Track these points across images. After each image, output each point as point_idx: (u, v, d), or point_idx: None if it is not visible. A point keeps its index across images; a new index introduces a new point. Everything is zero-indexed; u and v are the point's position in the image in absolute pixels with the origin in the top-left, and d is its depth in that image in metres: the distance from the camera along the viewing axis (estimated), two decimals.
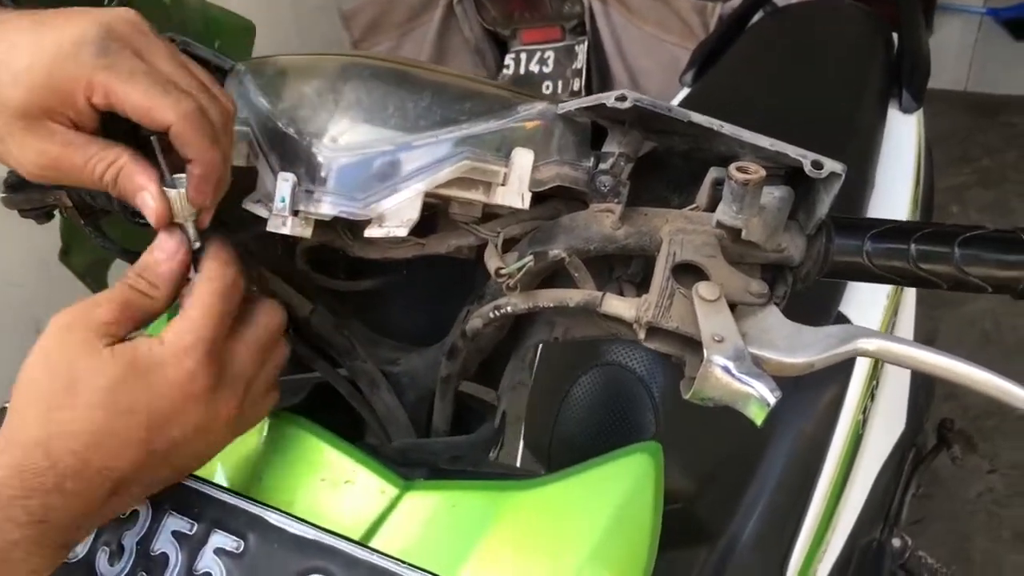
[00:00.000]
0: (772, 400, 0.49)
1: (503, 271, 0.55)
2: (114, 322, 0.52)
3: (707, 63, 1.69)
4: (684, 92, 1.63)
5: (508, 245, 0.59)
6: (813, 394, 1.12)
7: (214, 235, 0.56)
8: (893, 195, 1.42)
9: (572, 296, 0.56)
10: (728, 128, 0.55)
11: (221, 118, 0.54)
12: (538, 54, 2.32)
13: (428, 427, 0.70)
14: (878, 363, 1.22)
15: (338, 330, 0.68)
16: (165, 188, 0.54)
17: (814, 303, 1.11)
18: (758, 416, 0.50)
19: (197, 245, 0.55)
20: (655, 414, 0.96)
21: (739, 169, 0.51)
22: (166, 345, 0.52)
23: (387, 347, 0.71)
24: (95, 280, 1.05)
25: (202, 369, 0.52)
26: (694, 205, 0.59)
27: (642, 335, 0.53)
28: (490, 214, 0.61)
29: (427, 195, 0.57)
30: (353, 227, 0.61)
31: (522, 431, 1.13)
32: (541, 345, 0.93)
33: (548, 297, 0.56)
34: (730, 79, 1.59)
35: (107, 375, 0.50)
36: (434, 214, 0.63)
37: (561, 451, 1.04)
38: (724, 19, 1.91)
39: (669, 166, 0.61)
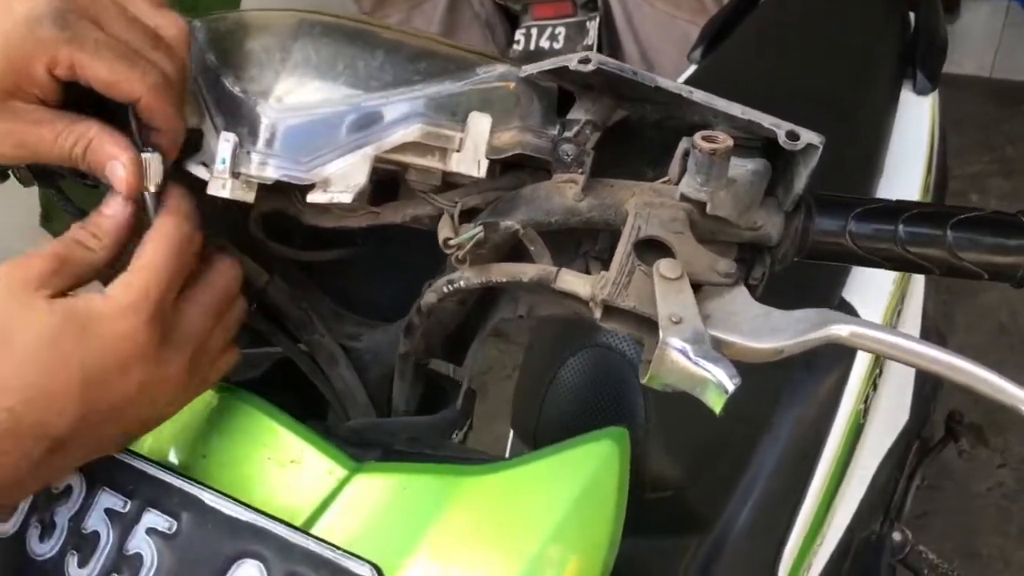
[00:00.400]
0: (730, 386, 0.45)
1: (452, 242, 0.52)
2: (51, 273, 0.50)
3: (716, 40, 1.64)
4: (692, 69, 1.58)
5: (467, 216, 0.56)
6: (812, 381, 1.09)
7: (175, 187, 0.54)
8: (903, 181, 1.38)
9: (526, 271, 0.52)
10: (699, 95, 0.51)
11: (181, 81, 0.53)
12: (549, 30, 2.27)
13: (391, 407, 0.67)
14: None
15: (295, 302, 0.65)
16: (142, 154, 0.52)
17: (814, 290, 1.08)
18: (716, 403, 0.46)
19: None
20: (645, 398, 0.93)
21: (705, 138, 0.48)
22: (109, 300, 0.50)
23: (351, 322, 0.68)
24: None
25: (145, 328, 0.50)
26: (665, 178, 0.55)
27: (598, 314, 0.50)
28: (451, 184, 0.57)
29: (382, 161, 0.54)
30: (304, 194, 0.58)
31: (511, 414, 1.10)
32: (533, 327, 0.90)
33: (501, 272, 0.53)
34: (739, 57, 1.54)
35: (42, 328, 0.48)
36: (395, 183, 0.60)
37: (548, 434, 1.01)
38: None
39: (643, 137, 0.58)
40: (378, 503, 0.58)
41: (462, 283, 0.54)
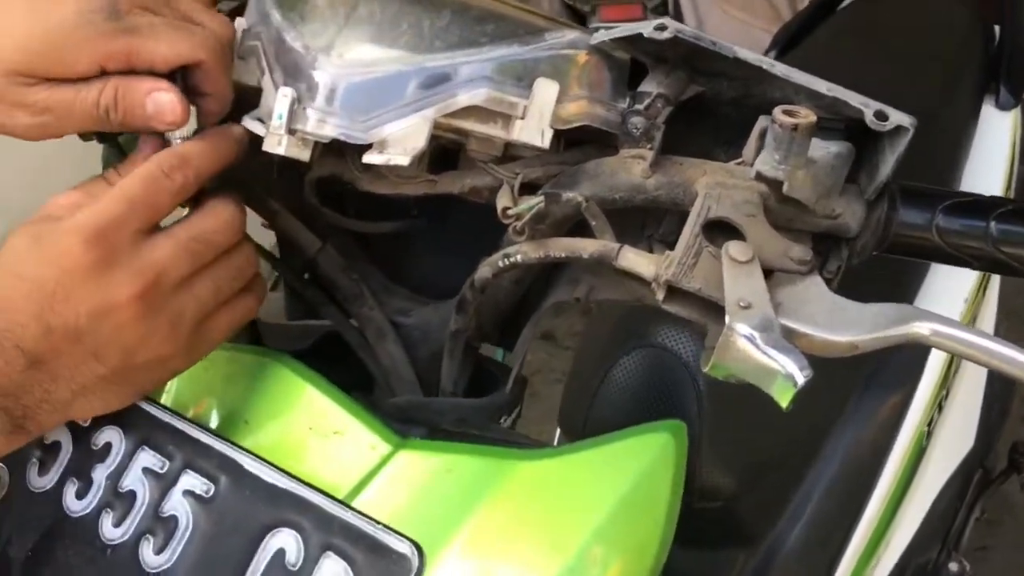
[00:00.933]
0: (801, 379, 0.42)
1: (511, 211, 0.49)
2: (70, 206, 0.51)
3: (789, 47, 1.59)
4: None
5: (527, 190, 0.53)
6: (875, 399, 1.05)
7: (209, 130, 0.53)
8: None
9: (586, 246, 0.50)
10: (780, 68, 0.48)
11: (231, 47, 0.54)
12: None
13: (439, 388, 0.65)
14: (949, 372, 1.14)
15: (346, 273, 0.63)
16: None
17: (882, 295, 1.04)
18: (783, 396, 0.43)
19: None
20: (699, 404, 0.90)
21: (786, 112, 0.45)
22: (64, 219, 0.50)
23: (402, 297, 0.66)
24: None
25: (80, 245, 0.49)
26: (739, 160, 0.52)
27: (661, 295, 0.47)
28: (512, 156, 0.55)
29: (442, 128, 0.52)
30: (361, 157, 0.56)
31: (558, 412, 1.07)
32: (584, 330, 0.87)
33: (560, 246, 0.50)
34: (812, 64, 1.50)
35: (18, 242, 0.50)
36: (454, 154, 0.58)
37: (595, 434, 0.98)
38: (812, 3, 1.82)
39: (717, 116, 0.55)
40: (421, 482, 0.56)
41: (519, 257, 0.52)
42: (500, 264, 0.53)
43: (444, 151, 0.58)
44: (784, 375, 0.42)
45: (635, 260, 0.48)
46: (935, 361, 1.10)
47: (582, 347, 1.04)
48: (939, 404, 1.15)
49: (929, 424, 1.12)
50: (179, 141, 0.52)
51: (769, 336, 0.43)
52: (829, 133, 0.50)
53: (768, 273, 0.47)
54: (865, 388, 1.04)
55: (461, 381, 0.66)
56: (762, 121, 0.50)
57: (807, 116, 0.44)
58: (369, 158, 0.50)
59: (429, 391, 0.64)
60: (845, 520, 1.02)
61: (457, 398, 0.64)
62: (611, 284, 0.57)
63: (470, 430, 0.61)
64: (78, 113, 0.51)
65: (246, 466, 0.54)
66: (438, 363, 0.64)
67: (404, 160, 0.49)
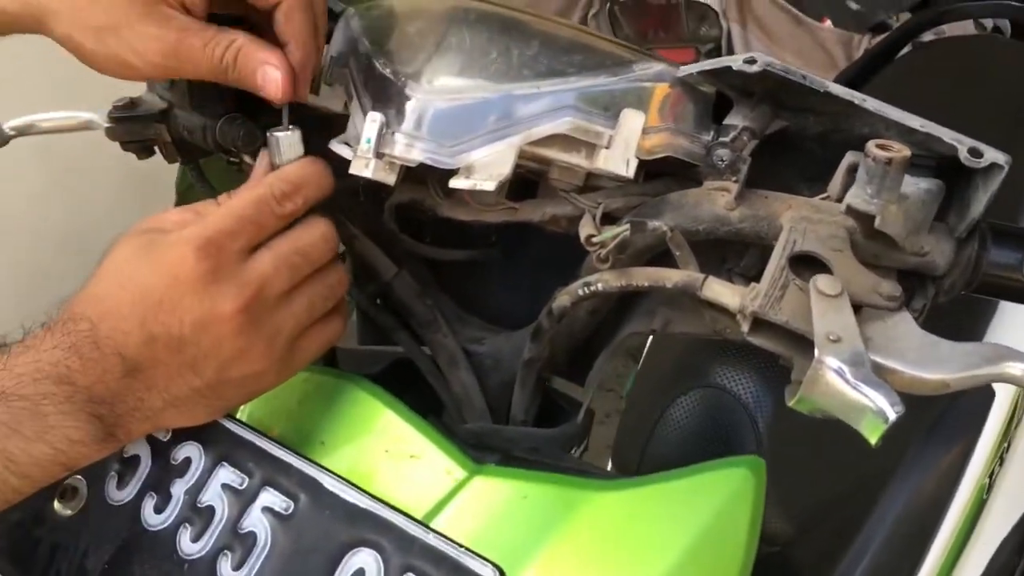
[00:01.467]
0: (892, 415, 0.41)
1: (595, 239, 0.50)
2: (180, 221, 0.53)
3: None
4: None
5: (608, 220, 0.53)
6: (935, 450, 1.02)
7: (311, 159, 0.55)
8: None
9: (670, 276, 0.49)
10: (871, 103, 0.48)
11: (322, 12, 0.56)
12: None
13: (508, 416, 0.64)
14: (1012, 422, 1.11)
15: (421, 299, 0.64)
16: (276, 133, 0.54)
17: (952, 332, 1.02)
18: (873, 433, 0.42)
19: None
20: (758, 446, 0.89)
21: (879, 146, 0.44)
22: (175, 230, 0.51)
23: (475, 326, 0.67)
24: None
25: (192, 255, 0.50)
26: (825, 195, 0.52)
27: (746, 327, 0.47)
28: (593, 187, 0.55)
29: (527, 157, 0.52)
30: (444, 183, 0.57)
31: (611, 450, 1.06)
32: (641, 362, 0.86)
33: (643, 276, 0.50)
34: None
35: (124, 250, 0.52)
36: (534, 184, 0.58)
37: (650, 472, 0.97)
38: (869, 52, 1.81)
39: (802, 151, 0.54)
40: (496, 509, 0.55)
41: (599, 286, 0.52)
42: (580, 292, 0.53)
43: (524, 180, 0.59)
44: (875, 411, 0.42)
45: (720, 291, 0.48)
46: (998, 411, 1.08)
47: (638, 385, 1.03)
48: (1001, 456, 1.13)
49: (991, 476, 1.10)
50: (292, 135, 0.54)
51: (859, 371, 0.42)
52: (919, 170, 0.49)
53: (856, 309, 0.47)
54: (927, 437, 1.01)
55: (532, 410, 0.66)
56: (850, 156, 0.49)
57: (901, 151, 0.44)
58: (456, 183, 0.51)
59: (498, 419, 0.64)
60: (903, 573, 0.99)
61: (529, 427, 0.64)
62: (688, 317, 0.57)
63: (543, 459, 0.61)
64: (204, 62, 0.53)
65: (326, 484, 0.54)
66: (509, 392, 0.64)
67: (490, 186, 0.50)
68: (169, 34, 0.53)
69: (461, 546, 0.51)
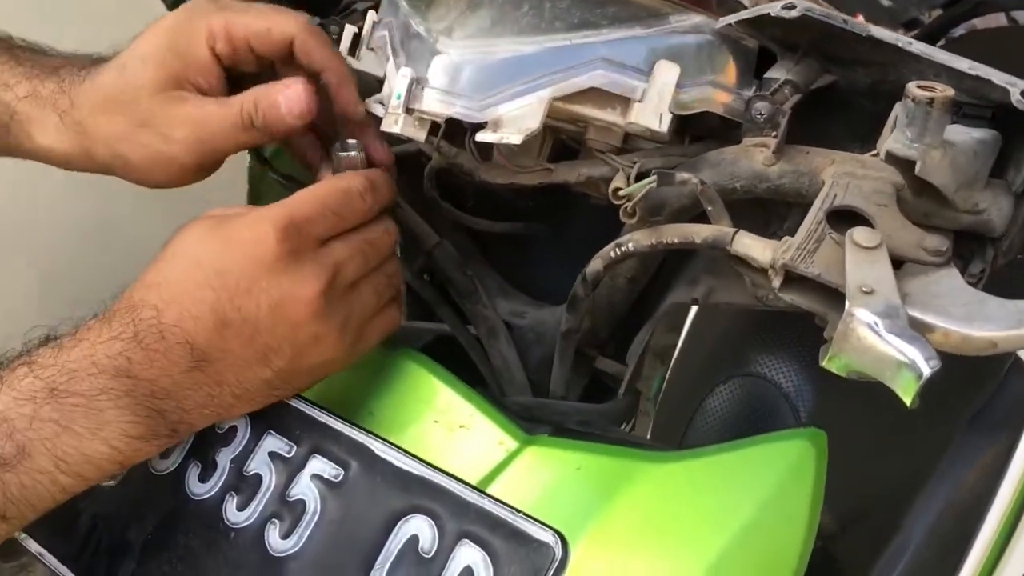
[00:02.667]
0: (927, 370, 0.38)
1: (622, 192, 0.48)
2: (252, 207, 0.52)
3: None
4: None
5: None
6: (980, 442, 0.97)
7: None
8: None
9: (700, 231, 0.47)
10: (917, 46, 0.45)
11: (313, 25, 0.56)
12: None
13: (548, 391, 0.63)
14: None
15: (461, 268, 0.63)
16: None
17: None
18: (907, 390, 0.39)
19: None
20: None
21: (920, 87, 0.41)
22: (252, 212, 0.50)
23: (519, 300, 0.65)
24: None
25: (273, 234, 0.49)
26: (874, 152, 0.49)
27: (777, 282, 0.44)
28: (633, 148, 0.54)
29: (560, 115, 0.51)
30: (482, 147, 0.56)
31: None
32: (680, 343, 0.83)
33: (673, 232, 0.48)
34: None
35: (193, 232, 0.50)
36: (574, 152, 0.57)
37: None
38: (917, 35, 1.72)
39: (852, 107, 0.52)
40: (550, 479, 0.54)
41: (630, 246, 0.50)
42: (612, 255, 0.51)
43: (564, 147, 0.58)
44: (908, 365, 0.38)
45: (751, 245, 0.45)
46: None
47: (675, 373, 0.99)
48: None
49: None
50: (355, 155, 0.55)
51: (893, 323, 0.39)
52: (973, 121, 0.46)
53: (899, 264, 0.44)
54: (969, 429, 0.96)
55: (574, 387, 0.64)
56: (898, 107, 0.46)
57: (944, 90, 0.41)
58: (483, 136, 0.50)
59: (539, 394, 0.62)
60: (944, 569, 0.94)
61: (580, 403, 0.62)
62: (731, 284, 0.54)
63: (595, 431, 0.59)
64: (230, 126, 0.54)
65: (377, 451, 0.53)
66: (549, 366, 0.62)
67: (517, 139, 0.49)
68: (194, 111, 0.54)
69: (519, 511, 0.49)
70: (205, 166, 0.57)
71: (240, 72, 0.56)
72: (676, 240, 0.48)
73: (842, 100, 0.51)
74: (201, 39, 0.54)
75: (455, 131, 0.55)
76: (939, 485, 0.90)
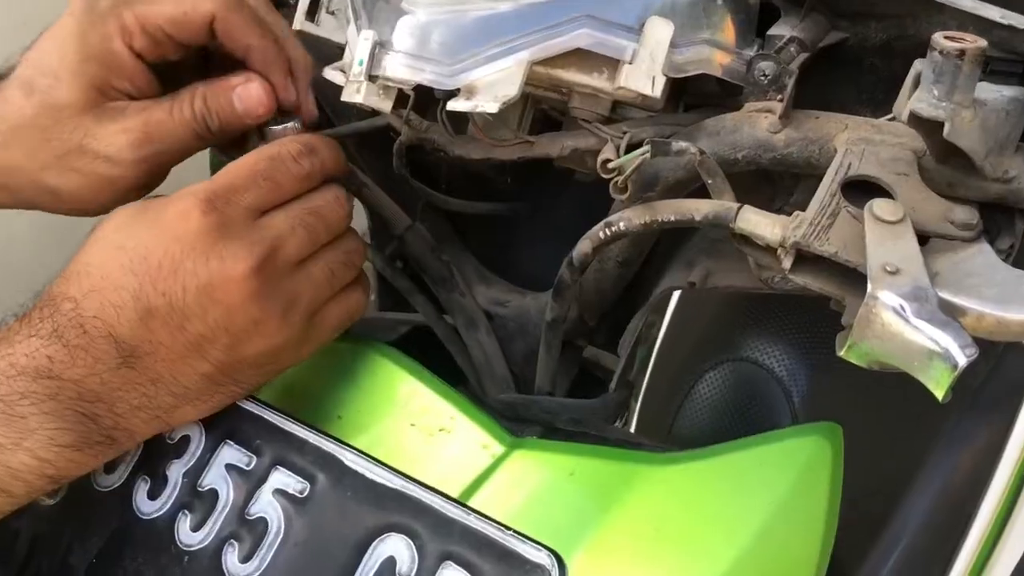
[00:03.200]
0: (962, 359, 0.33)
1: (611, 164, 0.43)
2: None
3: None
4: None
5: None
6: (975, 424, 0.94)
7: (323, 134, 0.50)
8: None
9: (700, 207, 0.42)
10: None
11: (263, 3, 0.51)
12: None
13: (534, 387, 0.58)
14: None
15: (435, 253, 0.58)
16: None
17: None
18: (940, 383, 0.34)
19: None
20: (794, 424, 0.81)
21: (949, 37, 0.36)
22: (179, 192, 0.45)
23: (499, 288, 0.60)
24: None
25: (196, 207, 0.44)
26: (890, 116, 0.44)
27: (788, 263, 0.39)
28: (622, 118, 0.49)
29: (541, 81, 0.46)
30: (456, 119, 0.51)
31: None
32: (664, 327, 0.79)
33: (670, 209, 0.43)
34: None
35: (115, 218, 0.45)
36: (558, 125, 0.52)
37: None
38: None
39: (863, 67, 0.47)
40: (540, 487, 0.49)
41: (622, 225, 0.45)
42: (602, 236, 0.46)
43: (547, 119, 0.52)
44: (940, 354, 0.34)
45: (757, 221, 0.40)
46: None
47: (662, 359, 0.95)
48: None
49: None
50: (291, 126, 0.50)
51: (922, 307, 0.35)
52: (1003, 78, 0.41)
53: (923, 240, 0.39)
54: (965, 412, 0.93)
55: (562, 382, 0.59)
56: (917, 65, 0.41)
57: (975, 41, 0.36)
58: (454, 105, 0.44)
59: (522, 389, 0.57)
60: (941, 555, 0.91)
61: (570, 399, 0.57)
62: (731, 267, 0.50)
63: (588, 431, 0.55)
64: (180, 128, 0.49)
65: (347, 462, 0.47)
66: (535, 360, 0.57)
67: (493, 107, 0.44)
68: (131, 121, 0.49)
69: (509, 529, 0.44)
70: (152, 183, 0.51)
71: (167, 63, 0.51)
72: (673, 218, 0.43)
73: (853, 60, 0.47)
74: (116, 39, 0.48)
75: (426, 101, 0.49)
76: (934, 469, 0.88)
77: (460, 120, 0.51)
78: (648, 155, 0.41)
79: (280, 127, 0.50)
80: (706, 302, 0.88)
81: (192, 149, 0.50)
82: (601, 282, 0.53)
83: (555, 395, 0.56)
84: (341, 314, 0.49)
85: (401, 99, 0.48)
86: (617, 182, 0.43)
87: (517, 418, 0.54)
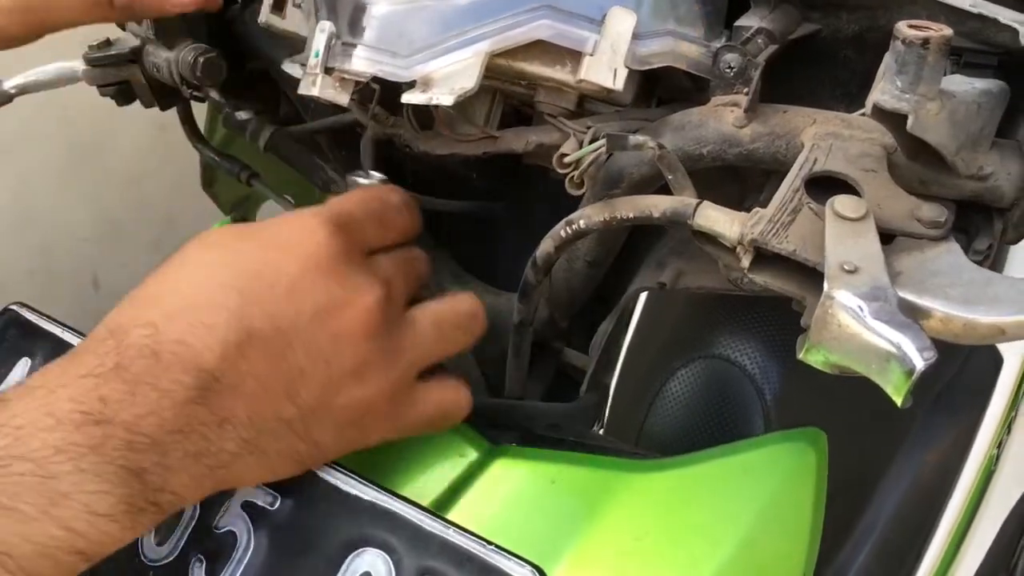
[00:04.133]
0: (920, 363, 0.32)
1: (568, 158, 0.41)
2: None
3: None
4: None
5: None
6: (944, 421, 0.93)
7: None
8: None
9: (659, 204, 0.41)
10: None
11: None
12: None
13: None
14: (1020, 390, 1.00)
15: None
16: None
17: None
18: (898, 387, 0.33)
19: None
20: (766, 422, 0.79)
21: (912, 26, 0.35)
22: (285, 216, 0.41)
23: (474, 289, 0.59)
24: (243, 219, 0.99)
25: (323, 228, 0.40)
26: (862, 111, 0.42)
27: (746, 261, 0.38)
28: (590, 112, 0.47)
29: (502, 74, 0.45)
30: (422, 115, 0.50)
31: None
32: (634, 325, 0.77)
33: (629, 206, 0.41)
34: None
35: (213, 237, 0.40)
36: (529, 120, 0.50)
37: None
38: None
39: (837, 60, 0.45)
40: (520, 496, 0.48)
41: (581, 223, 0.43)
42: (563, 234, 0.45)
43: (518, 115, 0.51)
44: (898, 357, 0.32)
45: (716, 218, 0.39)
46: (1006, 378, 0.98)
47: (631, 357, 0.93)
48: (1009, 424, 1.01)
49: (999, 446, 0.99)
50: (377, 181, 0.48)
51: (880, 307, 0.33)
52: (978, 70, 0.39)
53: (890, 239, 0.37)
54: (932, 409, 0.92)
55: (537, 386, 0.57)
56: (888, 57, 0.40)
57: (940, 29, 0.34)
58: (409, 97, 0.43)
59: (496, 394, 0.56)
60: (911, 549, 0.90)
61: (548, 403, 0.56)
62: (702, 268, 0.48)
63: (567, 436, 0.53)
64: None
65: (320, 473, 0.45)
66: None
67: (448, 99, 0.42)
68: None
69: (490, 543, 0.42)
70: (27, 38, 0.49)
71: None
72: (631, 215, 0.41)
73: (825, 53, 0.45)
74: None
75: (394, 97, 0.48)
76: (904, 466, 0.87)
77: (428, 115, 0.49)
78: (604, 149, 0.40)
79: (367, 181, 0.48)
80: (677, 298, 0.87)
81: (86, 19, 0.48)
82: (571, 282, 0.51)
83: (528, 400, 0.55)
84: (441, 400, 0.45)
85: (369, 94, 0.47)
86: (573, 177, 0.41)
87: (494, 424, 0.52)
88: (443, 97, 0.42)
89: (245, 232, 0.41)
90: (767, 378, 0.75)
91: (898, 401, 0.33)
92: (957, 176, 0.39)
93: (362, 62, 0.44)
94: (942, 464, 0.90)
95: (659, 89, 0.48)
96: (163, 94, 0.59)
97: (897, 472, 0.86)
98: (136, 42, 0.58)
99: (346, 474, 0.45)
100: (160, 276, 0.39)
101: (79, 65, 0.62)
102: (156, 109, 0.62)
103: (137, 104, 0.61)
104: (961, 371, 0.86)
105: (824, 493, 0.48)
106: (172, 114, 0.65)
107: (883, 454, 0.86)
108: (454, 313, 0.45)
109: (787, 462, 0.48)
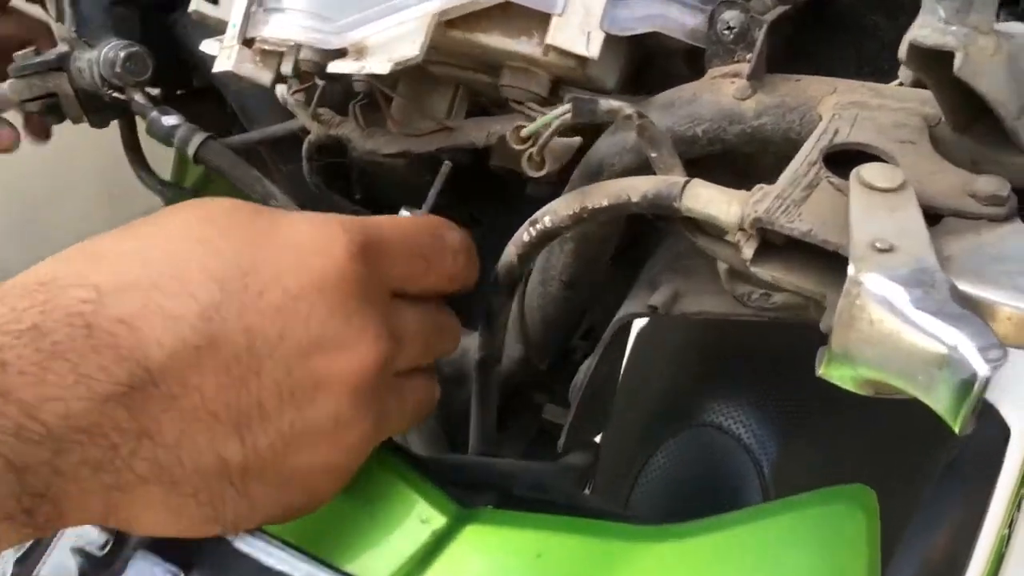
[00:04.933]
0: (984, 368, 0.23)
1: (524, 132, 0.33)
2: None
3: None
4: None
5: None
6: (950, 501, 0.83)
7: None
8: None
9: (639, 186, 0.32)
10: None
11: None
12: None
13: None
14: None
15: None
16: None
17: None
18: (953, 405, 0.24)
19: None
20: (765, 496, 0.70)
21: None
22: (309, 213, 0.34)
23: None
24: None
25: (344, 247, 0.32)
26: (897, 81, 0.34)
27: (748, 251, 0.29)
28: (562, 100, 0.39)
29: (455, 49, 0.38)
30: (368, 111, 0.42)
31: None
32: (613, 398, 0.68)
33: (602, 192, 0.33)
34: None
35: (208, 207, 0.33)
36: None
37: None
38: None
39: (863, 28, 0.37)
40: (499, 573, 0.39)
41: (547, 220, 0.35)
42: (526, 237, 0.36)
43: (485, 113, 0.44)
44: (953, 359, 0.23)
45: (709, 197, 0.30)
46: (1015, 452, 0.89)
47: (615, 428, 0.84)
48: (1020, 501, 0.91)
49: (1010, 526, 0.88)
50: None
51: (926, 295, 0.24)
52: None
53: (935, 218, 0.28)
54: (937, 489, 0.82)
55: (514, 447, 0.48)
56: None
57: None
58: (338, 67, 0.36)
59: (458, 448, 0.47)
60: None
61: (530, 461, 0.47)
62: (703, 288, 0.39)
63: (555, 499, 0.44)
64: None
65: (236, 544, 0.36)
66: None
67: (383, 68, 0.35)
68: None
69: None
70: None
71: None
72: (605, 202, 0.33)
73: (848, 19, 0.37)
74: None
75: (343, 99, 0.41)
76: (911, 547, 0.76)
77: (374, 112, 0.42)
78: (568, 117, 0.32)
79: (411, 213, 0.39)
80: (660, 359, 0.78)
81: None
82: (546, 309, 0.43)
83: (489, 454, 0.46)
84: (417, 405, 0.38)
85: (312, 91, 0.40)
86: (532, 154, 0.33)
87: (467, 484, 0.43)
88: (378, 66, 0.35)
89: (257, 214, 0.33)
90: (764, 448, 0.65)
91: (955, 426, 0.24)
92: (1020, 152, 0.31)
93: (284, 28, 0.36)
94: (951, 548, 0.80)
95: (649, 76, 0.40)
96: (93, 107, 0.52)
97: (904, 556, 0.76)
98: (64, 48, 0.52)
99: (268, 542, 0.36)
100: (129, 231, 0.32)
101: (6, 84, 0.56)
102: (105, 174, 0.55)
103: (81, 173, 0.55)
104: (968, 442, 0.78)
105: (878, 564, 0.39)
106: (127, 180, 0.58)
107: (891, 536, 0.77)
108: (425, 389, 0.37)
109: (831, 529, 0.39)
